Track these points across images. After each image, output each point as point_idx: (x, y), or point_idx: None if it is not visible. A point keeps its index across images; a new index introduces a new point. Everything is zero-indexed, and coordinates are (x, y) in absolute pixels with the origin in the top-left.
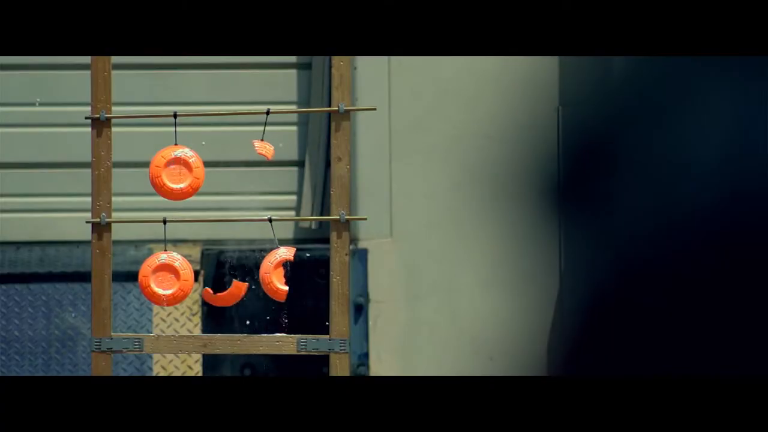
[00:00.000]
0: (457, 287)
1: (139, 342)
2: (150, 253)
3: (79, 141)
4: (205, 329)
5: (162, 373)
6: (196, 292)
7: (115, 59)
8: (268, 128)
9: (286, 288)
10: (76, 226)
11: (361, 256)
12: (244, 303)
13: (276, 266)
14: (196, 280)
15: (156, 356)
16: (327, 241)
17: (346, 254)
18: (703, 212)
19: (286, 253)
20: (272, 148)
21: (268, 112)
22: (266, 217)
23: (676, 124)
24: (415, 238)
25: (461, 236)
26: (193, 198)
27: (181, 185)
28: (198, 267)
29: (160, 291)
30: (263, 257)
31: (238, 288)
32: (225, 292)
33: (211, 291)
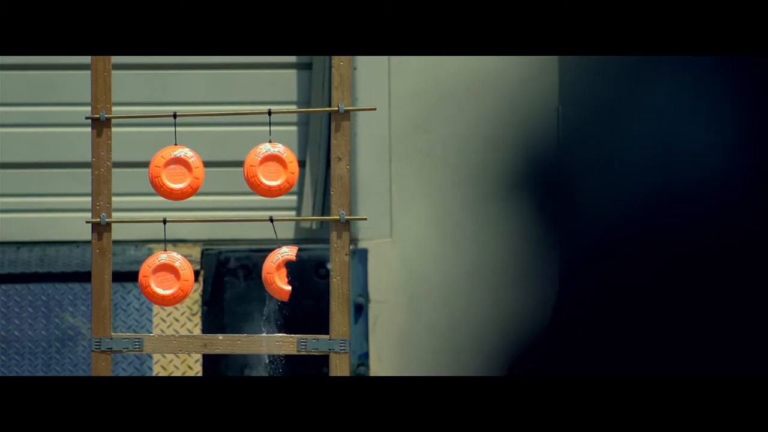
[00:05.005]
0: (457, 287)
1: (139, 342)
2: (150, 253)
3: (79, 141)
4: (205, 329)
5: (162, 373)
6: (196, 292)
7: (115, 59)
8: (267, 128)
9: (290, 288)
10: (76, 226)
11: (361, 256)
12: (245, 303)
13: (278, 266)
14: (196, 280)
15: (156, 356)
16: (327, 241)
17: (346, 254)
18: (695, 209)
19: (288, 252)
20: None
21: (270, 113)
22: (267, 217)
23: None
24: (415, 238)
25: (461, 236)
26: (193, 198)
27: (181, 185)
28: (198, 267)
29: (160, 291)
30: (263, 257)
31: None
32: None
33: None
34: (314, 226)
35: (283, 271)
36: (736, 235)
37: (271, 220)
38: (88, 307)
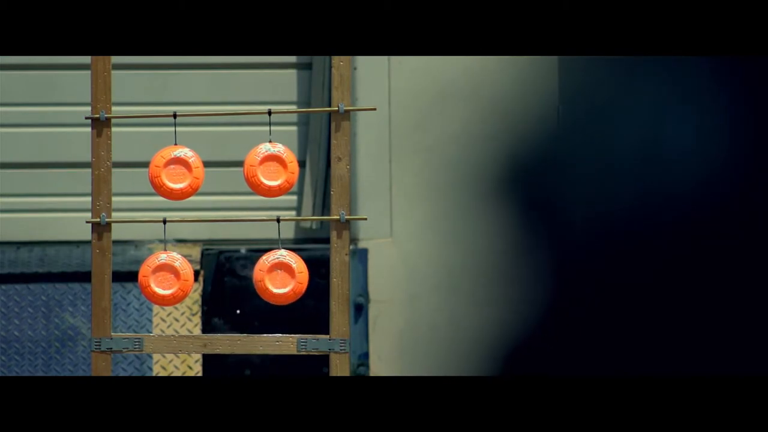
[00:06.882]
0: (457, 287)
1: (139, 342)
2: (150, 253)
3: (79, 141)
4: (205, 329)
5: (162, 373)
6: (196, 292)
7: (115, 59)
8: (267, 128)
9: (275, 291)
10: (76, 226)
11: (361, 256)
12: (245, 303)
13: (271, 269)
14: (196, 280)
15: (156, 356)
16: (327, 241)
17: (346, 254)
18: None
19: (286, 256)
20: None
21: (270, 113)
22: (267, 217)
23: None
24: (415, 238)
25: (461, 236)
26: (193, 198)
27: (181, 185)
28: (198, 267)
29: (160, 291)
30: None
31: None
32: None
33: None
34: (314, 226)
35: (275, 275)
36: (736, 234)
37: (278, 220)
38: (88, 307)
